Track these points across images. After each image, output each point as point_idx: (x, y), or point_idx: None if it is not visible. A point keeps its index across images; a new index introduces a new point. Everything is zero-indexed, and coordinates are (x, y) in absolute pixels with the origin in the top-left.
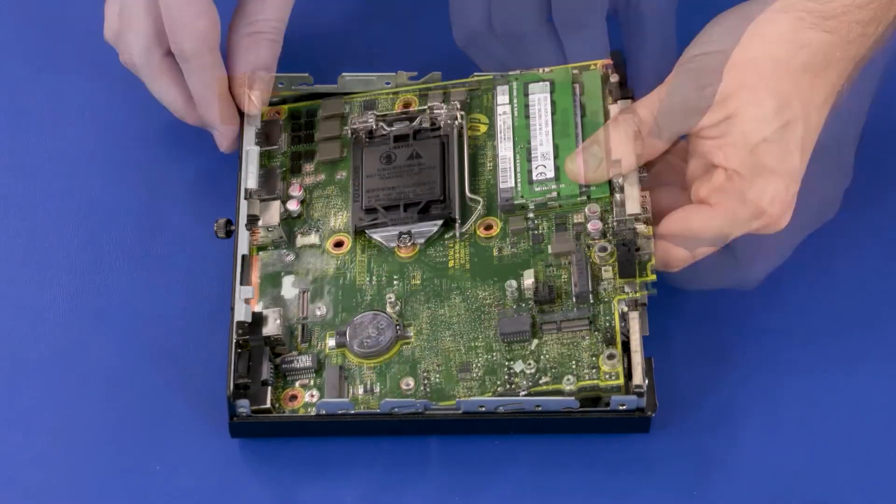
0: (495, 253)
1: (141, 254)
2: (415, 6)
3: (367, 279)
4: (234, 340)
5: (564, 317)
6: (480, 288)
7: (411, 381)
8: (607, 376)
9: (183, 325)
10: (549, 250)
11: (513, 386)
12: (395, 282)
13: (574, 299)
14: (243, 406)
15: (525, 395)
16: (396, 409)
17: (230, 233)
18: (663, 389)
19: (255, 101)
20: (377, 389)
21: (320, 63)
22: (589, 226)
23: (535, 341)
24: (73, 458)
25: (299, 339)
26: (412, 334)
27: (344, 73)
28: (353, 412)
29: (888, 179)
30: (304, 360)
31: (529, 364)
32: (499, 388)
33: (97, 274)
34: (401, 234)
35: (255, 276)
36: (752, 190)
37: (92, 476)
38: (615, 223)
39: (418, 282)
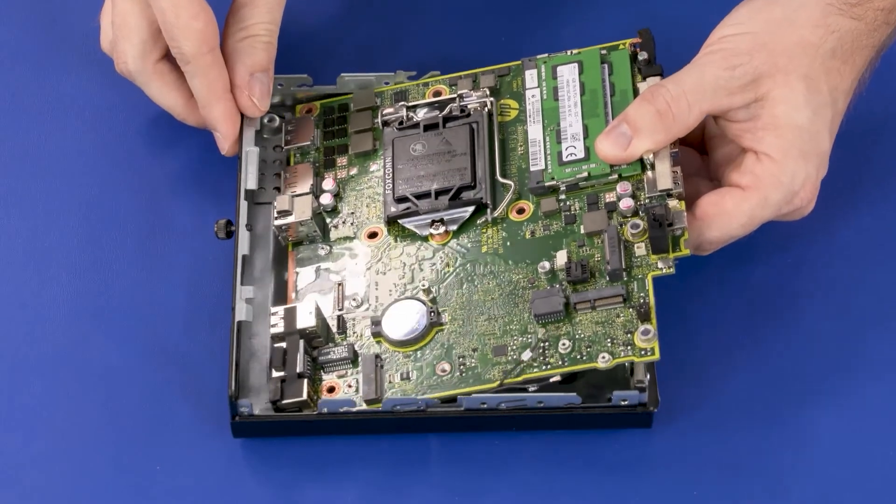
0: (528, 235)
1: (141, 254)
2: (414, 6)
3: (402, 267)
4: (233, 340)
5: (598, 295)
6: (514, 271)
7: (447, 366)
8: (642, 352)
9: (183, 325)
10: (582, 230)
11: (549, 367)
12: (429, 268)
13: (607, 277)
14: (245, 406)
15: (559, 369)
16: (398, 407)
17: (230, 233)
18: (666, 385)
19: (256, 103)
20: (413, 376)
21: (319, 63)
22: (621, 204)
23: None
24: (73, 458)
25: (335, 330)
26: (447, 320)
27: (343, 74)
28: (354, 410)
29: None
30: (341, 351)
31: (564, 344)
32: (535, 369)
33: (97, 274)
34: (433, 221)
35: (292, 271)
36: (785, 173)
37: (92, 476)
38: (647, 200)
39: (452, 268)
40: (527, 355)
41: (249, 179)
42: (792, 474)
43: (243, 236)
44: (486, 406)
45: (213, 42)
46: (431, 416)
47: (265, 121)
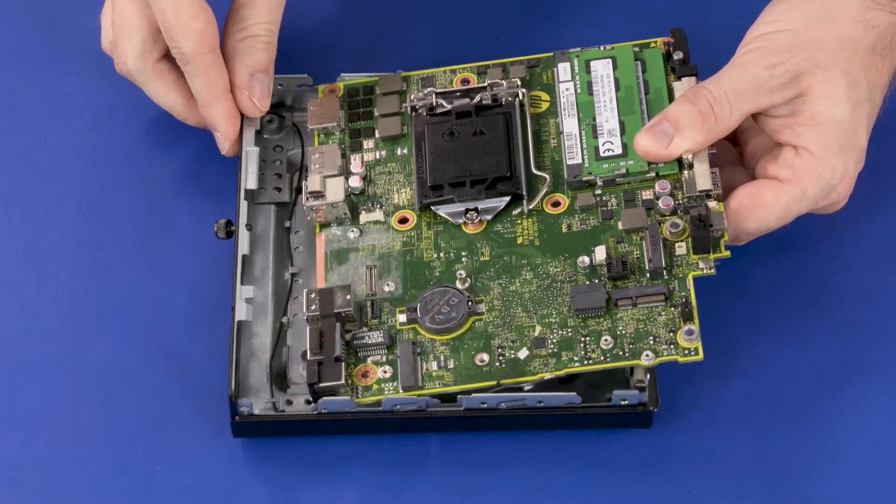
0: (564, 229)
1: (141, 254)
2: (414, 5)
3: (435, 255)
4: (233, 340)
5: (640, 292)
6: (551, 264)
7: (486, 357)
8: (686, 352)
9: (183, 325)
10: (620, 226)
11: (590, 362)
12: (463, 257)
13: (648, 275)
14: (245, 406)
15: (602, 365)
16: (398, 407)
17: (231, 233)
18: (666, 385)
19: (257, 103)
20: (451, 364)
21: (320, 63)
22: (660, 202)
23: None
24: (73, 458)
25: (369, 315)
26: (484, 310)
27: (343, 74)
28: (354, 410)
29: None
30: (376, 336)
31: (606, 340)
32: (576, 363)
33: (97, 274)
34: (467, 209)
35: (320, 253)
36: (825, 168)
37: (92, 476)
38: (685, 199)
39: (487, 257)
40: (523, 353)
41: (249, 179)
42: (792, 474)
43: (243, 236)
44: (485, 406)
45: (213, 42)
46: (431, 415)
47: (265, 121)
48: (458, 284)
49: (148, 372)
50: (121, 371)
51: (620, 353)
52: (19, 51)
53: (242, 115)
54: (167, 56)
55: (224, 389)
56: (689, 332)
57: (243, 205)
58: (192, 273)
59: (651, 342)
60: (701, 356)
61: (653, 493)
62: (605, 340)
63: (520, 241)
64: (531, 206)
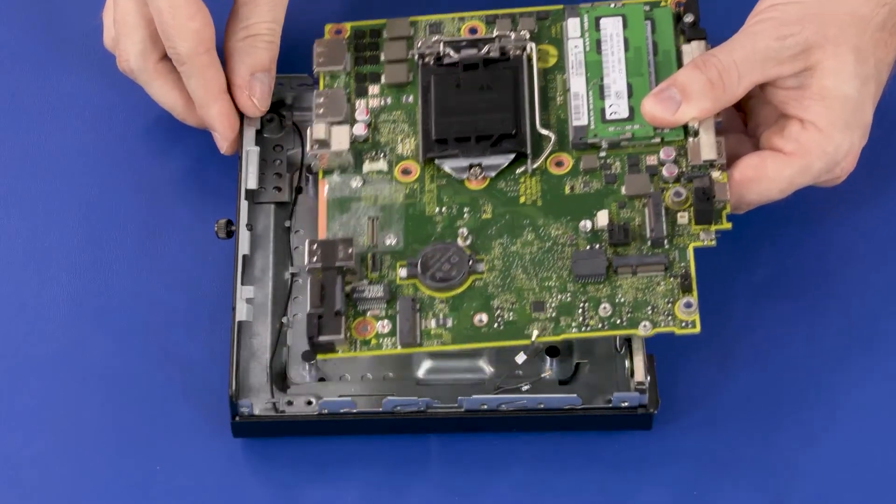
0: (567, 190)
1: (141, 254)
2: (414, 5)
3: (437, 209)
4: (234, 340)
5: (640, 261)
6: (553, 226)
7: (485, 317)
8: (684, 324)
9: (183, 325)
10: (623, 191)
11: (588, 329)
12: (465, 213)
13: (649, 243)
14: (245, 406)
15: (599, 332)
16: (398, 408)
17: (231, 233)
18: (665, 387)
19: (256, 103)
20: (449, 323)
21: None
22: (664, 170)
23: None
24: (73, 458)
25: (369, 268)
26: (484, 269)
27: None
28: (354, 411)
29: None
30: (377, 290)
31: (605, 307)
32: (573, 329)
33: (97, 274)
34: (471, 165)
35: (322, 201)
36: (830, 143)
37: (92, 476)
38: (689, 168)
39: (489, 215)
40: (520, 358)
41: (249, 179)
42: (792, 475)
43: (243, 236)
44: (486, 407)
45: (209, 43)
46: (431, 416)
47: (265, 120)
48: (460, 241)
49: (148, 372)
50: (121, 371)
51: (618, 321)
52: (19, 51)
53: (242, 115)
54: (168, 56)
55: (224, 389)
56: (688, 305)
57: (243, 205)
58: (192, 273)
59: (649, 312)
60: (698, 329)
61: (653, 494)
62: (604, 308)
63: (522, 200)
64: (535, 166)
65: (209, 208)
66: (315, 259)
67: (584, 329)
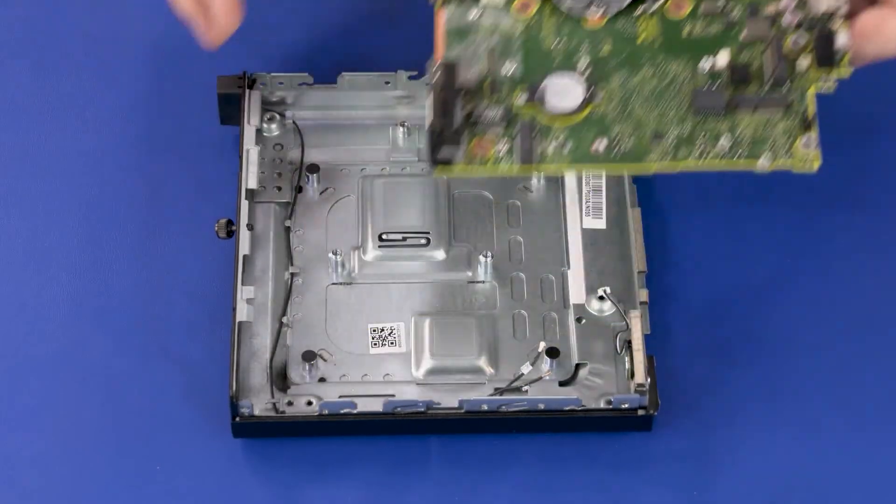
0: (685, 34)
1: (141, 254)
2: (415, 5)
3: (555, 42)
4: (234, 340)
5: (760, 100)
6: (672, 63)
7: (604, 143)
8: (803, 162)
9: (183, 325)
10: (742, 36)
11: (708, 157)
12: (583, 48)
13: (768, 85)
14: (245, 406)
15: (721, 163)
16: (399, 409)
17: (231, 233)
18: (665, 388)
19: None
20: (568, 147)
21: (320, 63)
22: (785, 17)
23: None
24: (73, 458)
25: (489, 92)
26: (603, 99)
27: (344, 73)
28: (354, 412)
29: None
30: (496, 112)
31: (727, 136)
32: (692, 159)
33: (97, 274)
34: (590, 2)
35: (441, 30)
36: None
37: (92, 476)
38: (810, 18)
39: (608, 51)
40: (526, 368)
41: (250, 179)
42: (792, 475)
43: (244, 236)
44: (486, 408)
45: None
46: (432, 417)
47: (266, 119)
48: (579, 72)
49: (148, 372)
50: (121, 371)
51: (739, 151)
52: (19, 51)
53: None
54: None
55: (225, 390)
56: (808, 143)
57: (244, 204)
58: (192, 273)
59: (770, 146)
60: (815, 167)
61: (653, 495)
62: (725, 138)
63: (640, 40)
64: (655, 7)
65: (209, 208)
66: (437, 77)
67: (704, 157)
